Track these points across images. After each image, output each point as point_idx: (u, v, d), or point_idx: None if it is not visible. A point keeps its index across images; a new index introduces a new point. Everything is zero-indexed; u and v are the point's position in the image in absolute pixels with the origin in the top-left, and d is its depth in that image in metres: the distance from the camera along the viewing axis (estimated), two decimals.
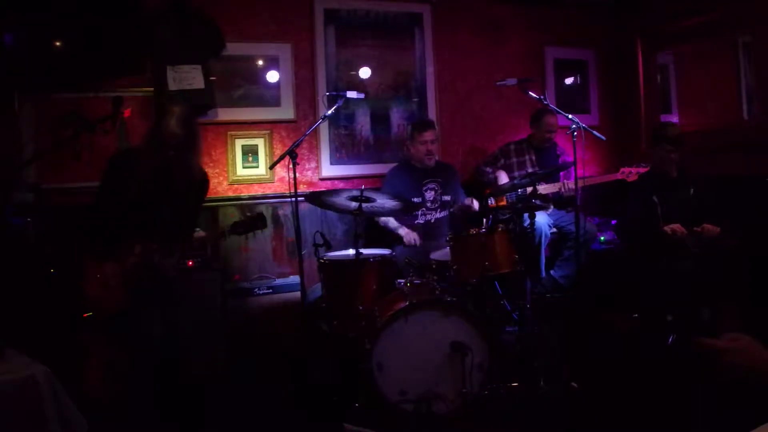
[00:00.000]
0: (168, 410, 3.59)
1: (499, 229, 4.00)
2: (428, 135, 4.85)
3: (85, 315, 3.93)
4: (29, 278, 4.00)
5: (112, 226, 3.39)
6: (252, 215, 3.55)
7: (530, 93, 4.34)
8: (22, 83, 4.77)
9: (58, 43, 4.68)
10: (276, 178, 5.36)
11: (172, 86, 4.81)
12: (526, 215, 4.43)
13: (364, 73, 5.61)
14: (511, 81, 4.40)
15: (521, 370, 3.95)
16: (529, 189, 4.18)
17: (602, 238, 5.57)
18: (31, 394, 2.22)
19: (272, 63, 5.37)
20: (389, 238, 4.88)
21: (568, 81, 6.55)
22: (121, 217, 3.38)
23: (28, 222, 4.26)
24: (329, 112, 4.25)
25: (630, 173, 4.83)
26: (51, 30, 4.64)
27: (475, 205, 4.86)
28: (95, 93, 4.89)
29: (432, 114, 5.84)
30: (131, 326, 3.49)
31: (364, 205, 3.85)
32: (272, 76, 5.36)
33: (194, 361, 4.13)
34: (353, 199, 3.86)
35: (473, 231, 4.05)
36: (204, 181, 3.72)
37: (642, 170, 4.79)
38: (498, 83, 4.48)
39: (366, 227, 4.85)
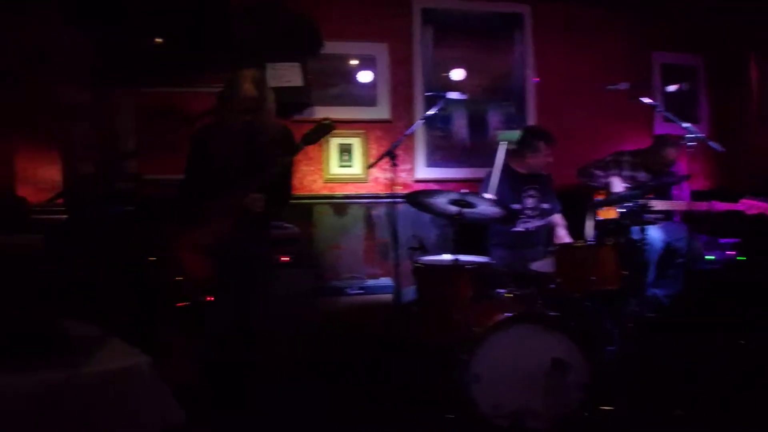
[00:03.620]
0: (246, 402, 3.57)
1: (609, 243, 3.80)
2: (550, 150, 4.68)
3: (179, 304, 3.99)
4: (127, 267, 4.05)
5: (201, 197, 3.42)
6: (317, 124, 3.47)
7: (643, 99, 4.12)
8: (123, 77, 4.86)
9: (158, 40, 4.74)
10: (370, 179, 5.30)
11: (271, 83, 4.67)
12: (635, 228, 4.20)
13: (457, 75, 5.46)
14: (623, 85, 4.20)
15: (621, 393, 3.72)
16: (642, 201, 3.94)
17: (709, 257, 5.25)
18: (134, 385, 2.18)
19: (368, 62, 5.32)
20: (485, 244, 4.74)
21: (672, 88, 6.23)
22: (210, 188, 3.40)
23: (128, 211, 4.31)
24: (430, 112, 4.17)
25: (752, 207, 4.41)
26: (151, 26, 4.70)
27: (566, 240, 4.69)
28: (193, 88, 4.93)
29: (530, 119, 5.66)
30: (214, 312, 3.50)
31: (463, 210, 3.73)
32: (368, 76, 5.31)
33: (281, 357, 4.09)
34: (454, 202, 3.74)
35: (580, 243, 3.88)
36: (287, 134, 3.60)
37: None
38: (609, 87, 4.27)
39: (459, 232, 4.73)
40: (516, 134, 4.74)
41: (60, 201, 3.26)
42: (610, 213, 4.88)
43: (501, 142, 4.43)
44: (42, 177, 3.76)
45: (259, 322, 3.61)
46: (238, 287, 3.50)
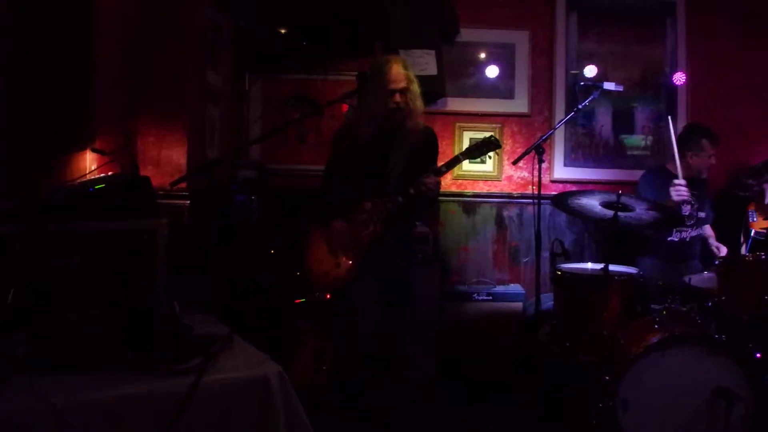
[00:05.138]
0: (372, 406, 3.42)
1: None
2: (716, 151, 4.26)
3: (298, 301, 3.85)
4: (251, 259, 3.92)
5: (339, 192, 3.36)
6: (483, 138, 3.36)
7: None
8: (253, 64, 4.80)
9: (288, 27, 4.60)
10: (503, 177, 4.97)
11: None
12: None
13: (589, 71, 4.91)
14: None
15: None
16: None
17: None
18: (262, 397, 1.94)
19: (507, 51, 4.97)
20: (631, 253, 4.33)
21: None
22: (348, 181, 3.33)
23: (252, 200, 4.21)
24: (583, 104, 3.82)
25: None
26: (282, 11, 4.56)
27: (723, 252, 4.22)
28: (324, 75, 4.79)
29: (682, 117, 5.12)
30: (347, 313, 3.38)
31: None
32: (506, 66, 4.94)
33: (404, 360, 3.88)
34: (607, 205, 3.36)
35: (749, 256, 3.41)
36: (431, 136, 3.46)
37: None
38: None
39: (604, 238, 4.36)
40: None
41: (183, 185, 3.11)
42: (763, 224, 4.46)
43: None
44: (166, 159, 3.65)
45: (404, 328, 3.46)
46: (383, 292, 3.35)
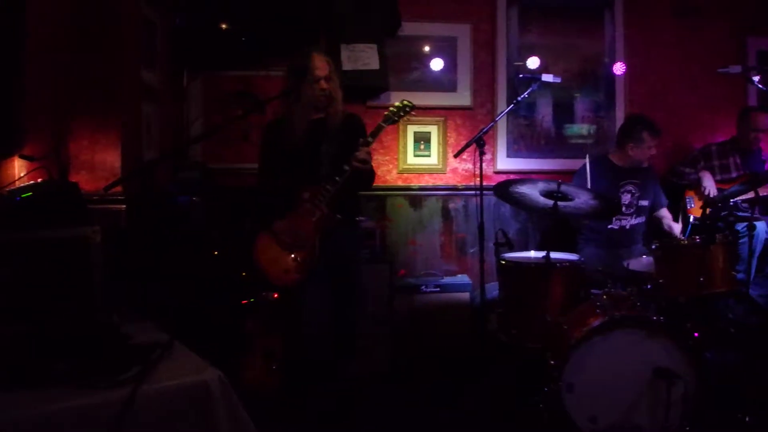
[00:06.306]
0: (326, 405, 3.46)
1: (719, 241, 3.42)
2: (656, 142, 4.38)
3: (245, 302, 3.82)
4: (194, 261, 3.86)
5: (276, 187, 3.45)
6: (398, 104, 3.53)
7: (759, 85, 3.72)
8: (192, 60, 4.69)
9: (228, 23, 4.52)
10: (448, 169, 5.01)
11: (346, 66, 4.55)
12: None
13: (532, 63, 4.92)
14: (735, 69, 3.76)
15: (724, 403, 3.45)
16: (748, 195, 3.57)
17: None
18: (202, 404, 1.92)
19: (449, 45, 5.00)
20: (573, 240, 4.43)
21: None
22: (288, 182, 3.39)
23: (194, 201, 4.13)
24: (522, 96, 3.89)
25: None
26: (221, 7, 4.50)
27: (676, 231, 4.41)
28: (266, 71, 4.71)
29: (620, 107, 5.26)
30: (309, 312, 3.42)
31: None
32: (449, 59, 4.97)
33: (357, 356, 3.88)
34: (547, 194, 3.42)
35: (685, 241, 3.51)
36: (353, 118, 3.62)
37: None
38: (720, 70, 3.84)
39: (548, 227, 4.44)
40: None
41: (118, 189, 3.02)
42: (700, 210, 4.48)
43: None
44: (99, 162, 3.56)
45: (354, 322, 3.55)
46: (332, 287, 3.45)
